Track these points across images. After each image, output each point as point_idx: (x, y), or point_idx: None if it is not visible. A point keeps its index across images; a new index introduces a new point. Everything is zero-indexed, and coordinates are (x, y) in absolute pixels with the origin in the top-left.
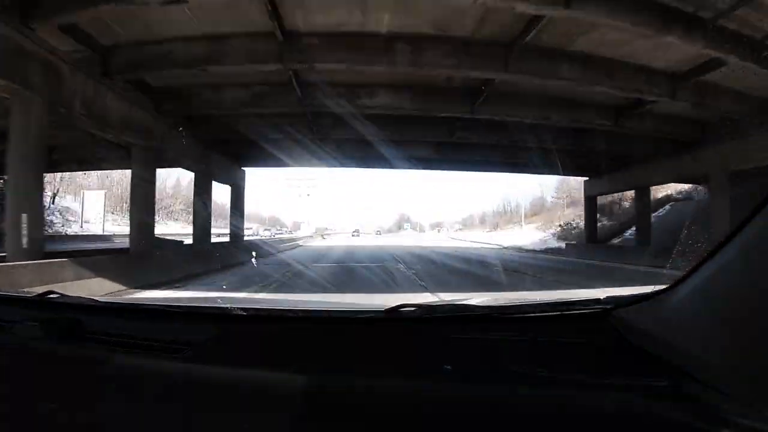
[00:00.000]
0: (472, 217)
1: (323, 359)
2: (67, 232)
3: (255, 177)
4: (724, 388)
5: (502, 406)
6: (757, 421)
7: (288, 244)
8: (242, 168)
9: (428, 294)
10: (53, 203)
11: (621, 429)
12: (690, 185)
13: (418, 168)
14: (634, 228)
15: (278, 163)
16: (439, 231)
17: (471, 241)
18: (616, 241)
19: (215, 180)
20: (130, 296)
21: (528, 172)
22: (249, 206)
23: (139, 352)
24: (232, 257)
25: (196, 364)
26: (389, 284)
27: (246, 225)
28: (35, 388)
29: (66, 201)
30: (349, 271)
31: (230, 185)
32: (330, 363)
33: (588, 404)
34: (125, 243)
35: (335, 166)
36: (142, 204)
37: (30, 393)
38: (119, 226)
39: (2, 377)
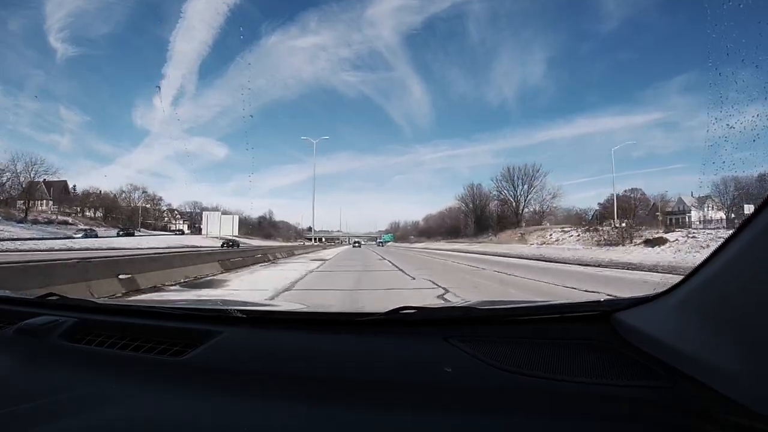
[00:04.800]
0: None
1: (323, 361)
2: None
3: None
4: (723, 389)
5: (502, 408)
6: (756, 422)
7: None
8: None
9: (430, 295)
10: None
11: (622, 430)
12: None
13: None
14: None
15: None
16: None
17: None
18: None
19: None
20: (131, 298)
21: None
22: None
23: (140, 354)
24: None
25: (197, 365)
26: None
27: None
28: (37, 388)
29: None
30: None
31: None
32: (330, 364)
33: (588, 406)
34: None
35: None
36: None
37: (32, 393)
38: None
39: (4, 377)
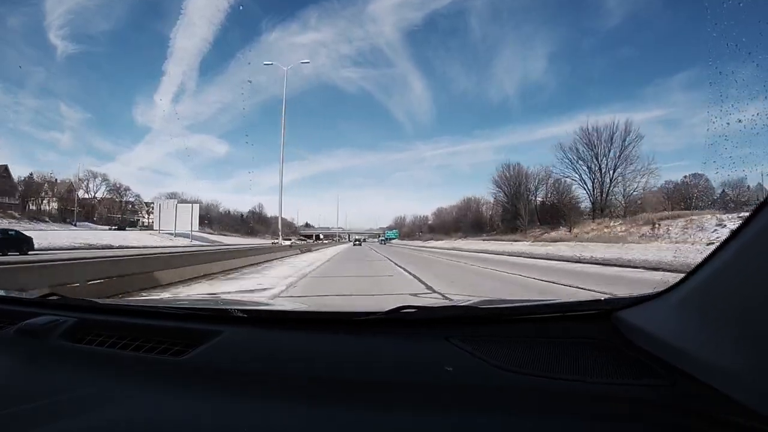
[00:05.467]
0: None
1: (324, 361)
2: None
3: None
4: (724, 388)
5: (503, 408)
6: (756, 422)
7: None
8: None
9: (430, 295)
10: None
11: (622, 429)
12: None
13: None
14: None
15: None
16: None
17: None
18: None
19: None
20: (131, 297)
21: None
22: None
23: (140, 353)
24: None
25: (197, 365)
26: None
27: None
28: (37, 388)
29: None
30: None
31: None
32: (331, 365)
33: (589, 405)
34: None
35: None
36: None
37: (32, 393)
38: None
39: (4, 378)
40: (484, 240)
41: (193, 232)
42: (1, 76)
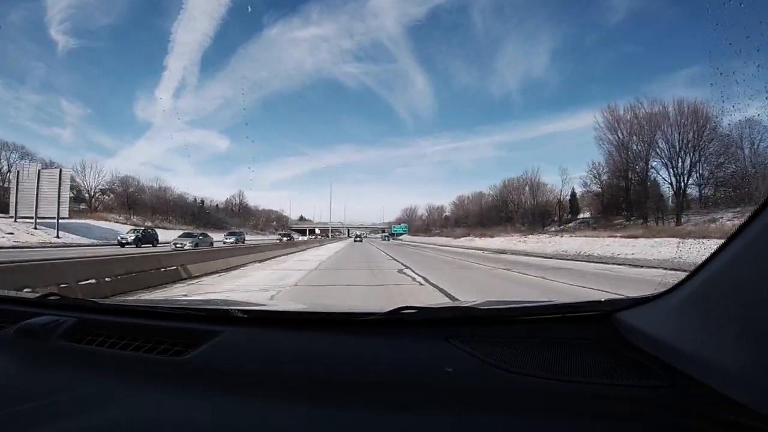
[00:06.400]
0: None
1: (323, 361)
2: None
3: None
4: (723, 389)
5: (503, 408)
6: (756, 422)
7: None
8: None
9: (431, 295)
10: None
11: (621, 429)
12: None
13: None
14: None
15: None
16: None
17: None
18: None
19: None
20: (132, 297)
21: None
22: None
23: (140, 353)
24: None
25: (197, 365)
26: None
27: None
28: (37, 388)
29: None
30: None
31: None
32: (330, 365)
33: (589, 405)
34: None
35: None
36: None
37: (32, 393)
38: None
39: (4, 378)
40: (632, 238)
41: (67, 220)
42: (2, 72)
